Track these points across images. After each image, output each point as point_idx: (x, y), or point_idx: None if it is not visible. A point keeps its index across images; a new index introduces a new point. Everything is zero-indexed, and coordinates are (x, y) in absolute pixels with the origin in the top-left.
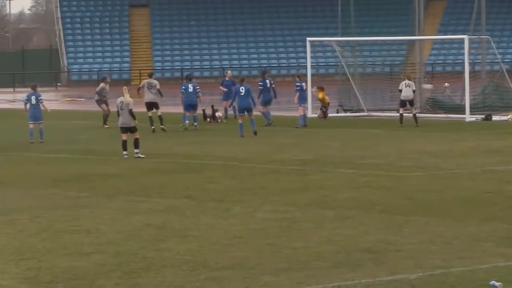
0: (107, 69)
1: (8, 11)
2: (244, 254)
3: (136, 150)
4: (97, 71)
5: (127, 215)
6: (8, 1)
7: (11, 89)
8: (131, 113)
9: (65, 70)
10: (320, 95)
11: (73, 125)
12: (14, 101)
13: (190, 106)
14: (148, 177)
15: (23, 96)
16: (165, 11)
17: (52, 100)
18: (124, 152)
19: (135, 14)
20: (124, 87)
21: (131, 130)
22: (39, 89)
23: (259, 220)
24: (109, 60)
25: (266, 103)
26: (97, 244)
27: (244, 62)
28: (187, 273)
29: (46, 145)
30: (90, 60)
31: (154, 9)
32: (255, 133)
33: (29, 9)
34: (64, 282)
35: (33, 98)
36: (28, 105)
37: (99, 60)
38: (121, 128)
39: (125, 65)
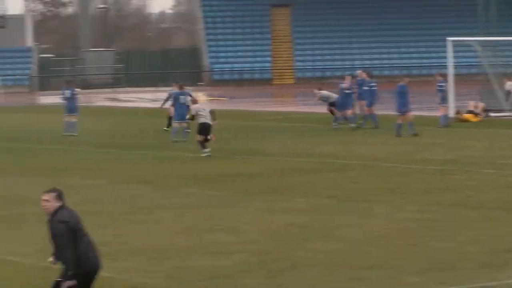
0: (249, 68)
1: (150, 10)
2: (386, 254)
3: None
4: (239, 70)
5: (270, 214)
6: (150, 1)
7: (153, 89)
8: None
9: (207, 69)
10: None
11: (215, 124)
12: (157, 101)
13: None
14: (290, 177)
15: (168, 94)
16: (306, 10)
17: None
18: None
19: (277, 13)
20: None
21: None
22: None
23: (402, 220)
24: (250, 59)
25: (371, 104)
26: (240, 243)
27: (386, 62)
28: (330, 273)
29: (189, 144)
30: (232, 59)
31: (295, 8)
32: (416, 134)
33: (170, 9)
34: (208, 281)
35: (180, 97)
36: (171, 104)
37: (241, 59)
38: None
39: (266, 64)
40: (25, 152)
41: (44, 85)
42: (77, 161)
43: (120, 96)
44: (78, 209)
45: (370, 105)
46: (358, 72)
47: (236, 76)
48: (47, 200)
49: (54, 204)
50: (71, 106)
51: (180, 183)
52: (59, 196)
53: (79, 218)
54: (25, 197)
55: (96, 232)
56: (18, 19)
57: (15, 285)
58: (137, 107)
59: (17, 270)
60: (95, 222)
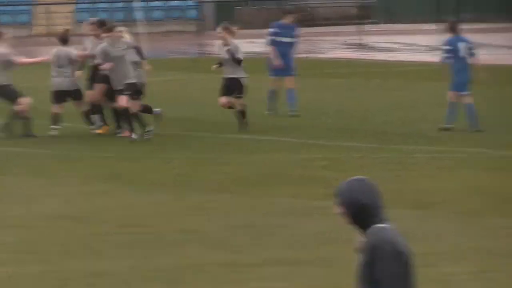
0: None
1: None
2: None
3: None
4: None
5: None
6: None
7: (426, 27)
8: None
9: None
10: None
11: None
12: (438, 50)
13: None
14: None
15: None
16: None
17: None
18: None
19: None
20: None
21: None
22: None
23: None
24: None
25: None
26: None
27: None
28: None
29: None
30: None
31: None
32: None
33: None
34: None
35: (459, 45)
36: None
37: None
38: None
39: None
40: None
41: None
42: None
43: (370, 39)
44: None
45: None
46: None
47: None
48: None
49: None
50: (288, 63)
51: None
52: None
53: None
54: None
55: None
56: None
57: None
58: (399, 61)
59: None
60: None
